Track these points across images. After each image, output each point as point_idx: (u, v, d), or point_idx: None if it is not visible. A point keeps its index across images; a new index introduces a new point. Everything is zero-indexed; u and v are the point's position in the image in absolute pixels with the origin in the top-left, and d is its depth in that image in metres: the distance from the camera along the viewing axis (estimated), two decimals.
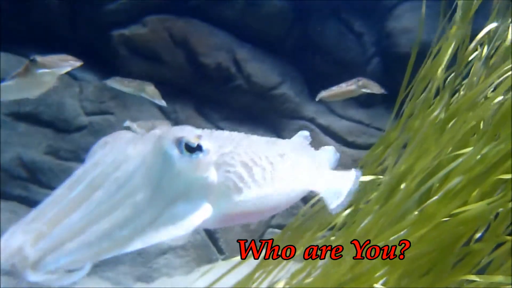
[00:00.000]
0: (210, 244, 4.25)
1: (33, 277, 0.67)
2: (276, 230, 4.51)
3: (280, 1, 5.06)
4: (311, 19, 5.33)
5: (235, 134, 0.98)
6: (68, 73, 4.47)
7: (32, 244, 0.69)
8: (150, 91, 3.29)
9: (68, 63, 2.73)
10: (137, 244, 0.75)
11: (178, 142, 0.79)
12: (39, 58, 2.68)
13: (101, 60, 4.61)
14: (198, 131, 0.84)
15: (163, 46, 4.70)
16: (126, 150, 0.80)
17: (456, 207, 1.15)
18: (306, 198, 4.66)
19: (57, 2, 4.55)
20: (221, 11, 4.97)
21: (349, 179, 1.03)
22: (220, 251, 4.28)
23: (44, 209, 0.73)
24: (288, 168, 0.96)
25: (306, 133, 1.34)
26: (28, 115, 4.15)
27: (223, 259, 4.23)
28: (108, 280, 3.70)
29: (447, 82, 1.58)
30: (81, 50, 4.57)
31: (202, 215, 0.79)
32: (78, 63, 2.76)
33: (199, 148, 0.80)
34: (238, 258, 3.65)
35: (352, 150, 4.75)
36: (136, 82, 3.41)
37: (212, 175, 0.82)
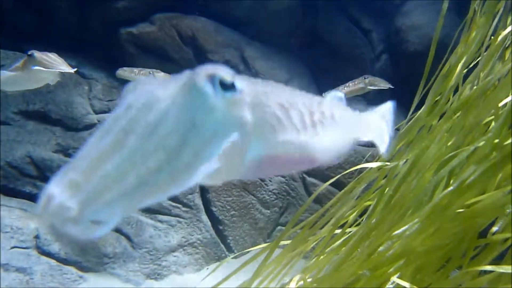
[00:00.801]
0: (219, 241, 4.25)
1: (74, 230, 0.65)
2: (285, 228, 4.50)
3: None
4: (319, 16, 5.31)
5: (269, 82, 0.92)
6: (76, 71, 4.50)
7: (70, 197, 0.66)
8: (161, 78, 3.28)
9: (63, 67, 2.75)
10: (176, 187, 0.72)
11: (212, 78, 0.75)
12: (36, 54, 2.69)
13: (110, 58, 4.63)
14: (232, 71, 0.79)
15: (171, 44, 4.70)
16: (157, 92, 0.75)
17: (471, 197, 1.13)
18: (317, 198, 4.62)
19: (66, 1, 4.57)
20: (229, 8, 4.96)
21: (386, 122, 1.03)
22: (229, 248, 4.27)
23: (80, 160, 0.70)
24: (329, 115, 0.92)
25: (339, 94, 1.25)
26: (37, 113, 4.17)
27: (232, 257, 4.23)
28: (118, 278, 3.71)
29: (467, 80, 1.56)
30: (89, 49, 4.60)
31: (237, 152, 0.75)
32: (72, 70, 2.80)
33: (233, 86, 0.76)
34: (247, 256, 3.64)
35: (361, 148, 4.72)
36: (145, 70, 3.40)
37: (247, 115, 0.77)
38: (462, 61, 1.45)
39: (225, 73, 0.75)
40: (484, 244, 1.17)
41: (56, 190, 0.66)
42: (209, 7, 4.89)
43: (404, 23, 5.02)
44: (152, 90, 0.75)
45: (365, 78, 3.79)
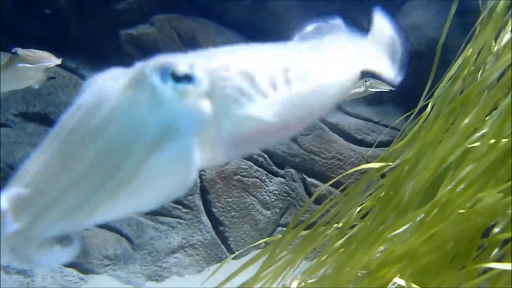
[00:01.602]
0: (220, 243, 4.24)
1: (24, 253, 0.61)
2: (285, 229, 4.50)
3: (287, 0, 5.05)
4: (319, 16, 5.31)
5: (239, 46, 0.82)
6: (76, 73, 4.50)
7: (17, 214, 0.60)
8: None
9: (49, 60, 2.70)
10: (126, 203, 0.65)
11: (162, 69, 0.68)
12: (20, 51, 2.65)
13: (109, 59, 4.62)
14: (191, 58, 0.72)
15: (171, 45, 4.70)
16: (107, 87, 0.68)
17: (470, 197, 1.13)
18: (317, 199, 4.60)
19: (65, 2, 4.57)
20: (228, 9, 4.96)
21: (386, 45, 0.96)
22: (230, 250, 4.27)
23: (26, 171, 0.63)
24: (311, 65, 0.81)
25: (336, 21, 1.10)
26: (37, 116, 4.17)
27: (232, 258, 4.23)
28: (118, 279, 3.70)
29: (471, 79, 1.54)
30: (89, 50, 4.60)
31: (191, 154, 0.67)
32: (57, 61, 2.73)
33: (188, 77, 0.68)
34: (248, 256, 3.63)
35: (361, 148, 4.72)
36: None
37: (205, 104, 0.69)
38: (467, 64, 1.44)
39: (178, 63, 0.69)
40: (485, 244, 1.17)
41: (4, 206, 0.60)
42: (209, 8, 4.89)
43: (404, 23, 5.02)
44: (103, 86, 0.70)
45: (365, 81, 3.78)
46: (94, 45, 4.65)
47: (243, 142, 0.73)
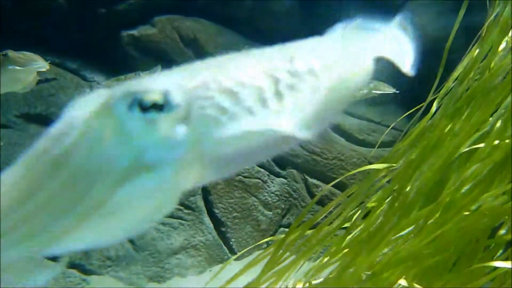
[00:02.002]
0: (222, 244, 4.24)
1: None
2: (287, 230, 4.50)
3: (288, 0, 5.04)
4: (320, 17, 5.31)
5: (222, 57, 0.77)
6: (78, 74, 4.50)
7: None
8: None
9: (39, 63, 2.66)
10: (96, 232, 0.63)
11: (129, 98, 0.62)
12: (11, 54, 2.61)
13: (110, 60, 4.62)
14: (167, 80, 0.67)
15: (173, 46, 4.70)
16: (76, 115, 0.65)
17: (474, 199, 1.12)
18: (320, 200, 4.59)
19: (66, 3, 4.57)
20: (230, 10, 4.96)
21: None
22: (232, 250, 4.27)
23: None
24: (306, 70, 0.74)
25: (358, 22, 0.99)
26: (38, 117, 4.17)
27: (234, 259, 4.22)
28: (120, 280, 3.70)
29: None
30: (90, 51, 4.60)
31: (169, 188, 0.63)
32: (45, 65, 2.69)
33: (159, 105, 0.63)
34: (250, 257, 3.63)
35: (363, 149, 4.72)
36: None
37: (180, 130, 0.64)
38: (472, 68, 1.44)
39: (147, 90, 0.63)
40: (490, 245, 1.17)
41: None
42: (210, 9, 4.89)
43: None
44: (73, 114, 0.66)
45: (369, 83, 3.78)
46: (95, 46, 4.65)
47: (232, 161, 0.68)
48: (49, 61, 2.78)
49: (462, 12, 1.29)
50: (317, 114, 0.75)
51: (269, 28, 5.08)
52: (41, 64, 2.68)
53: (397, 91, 3.75)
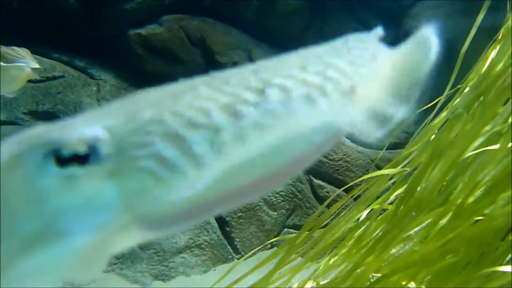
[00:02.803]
0: (226, 243, 4.25)
1: None
2: (291, 230, 4.50)
3: (296, 1, 5.05)
4: (327, 17, 5.30)
5: (176, 86, 0.61)
6: (85, 72, 4.52)
7: None
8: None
9: (27, 60, 2.53)
10: None
11: (44, 147, 0.51)
12: (1, 48, 2.50)
13: (118, 59, 4.64)
14: (96, 126, 0.53)
15: (180, 46, 4.71)
16: None
17: (486, 203, 1.12)
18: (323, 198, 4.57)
19: (74, 1, 4.59)
20: (237, 10, 4.97)
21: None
22: (236, 250, 4.27)
23: None
24: (286, 96, 0.57)
25: (377, 32, 0.79)
26: (46, 114, 4.19)
27: (238, 259, 4.23)
28: (125, 278, 3.71)
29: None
30: (98, 50, 4.62)
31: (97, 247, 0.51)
32: (34, 64, 2.57)
33: (83, 157, 0.50)
34: (254, 257, 3.62)
35: (369, 150, 4.71)
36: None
37: (106, 189, 0.51)
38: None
39: (66, 139, 0.51)
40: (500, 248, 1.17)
41: None
42: (217, 8, 4.89)
43: (412, 25, 5.00)
44: None
45: None
46: (103, 44, 4.67)
47: (179, 220, 0.54)
48: (37, 60, 2.63)
49: (481, 15, 1.27)
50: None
51: (276, 28, 5.09)
52: (30, 62, 2.52)
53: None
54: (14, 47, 2.52)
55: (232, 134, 0.53)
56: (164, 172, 0.52)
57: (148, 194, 0.52)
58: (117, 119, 0.54)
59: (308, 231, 1.44)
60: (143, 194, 0.52)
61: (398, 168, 1.38)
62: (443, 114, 1.52)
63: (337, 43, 0.77)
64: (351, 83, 0.62)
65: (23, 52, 2.54)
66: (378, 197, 1.61)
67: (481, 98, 1.18)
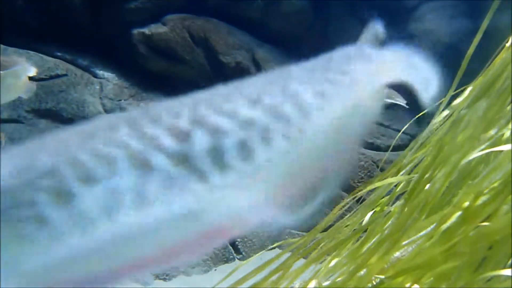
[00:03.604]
0: (227, 243, 4.24)
1: None
2: (292, 231, 4.50)
3: (299, 1, 5.05)
4: (331, 19, 5.30)
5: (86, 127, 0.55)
6: (88, 71, 4.53)
7: None
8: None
9: (25, 66, 2.48)
10: None
11: None
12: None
13: (121, 58, 4.65)
14: None
15: (183, 45, 4.71)
16: None
17: (493, 208, 1.12)
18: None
19: (78, 0, 4.59)
20: (241, 10, 4.97)
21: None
22: (237, 250, 4.27)
23: None
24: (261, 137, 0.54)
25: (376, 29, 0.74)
26: (49, 112, 4.19)
27: (239, 259, 4.23)
28: (126, 277, 3.71)
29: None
30: (101, 48, 4.62)
31: None
32: (32, 69, 2.51)
33: None
34: (254, 257, 3.62)
35: (372, 152, 4.70)
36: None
37: None
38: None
39: None
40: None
41: None
42: (221, 9, 4.90)
43: (416, 27, 5.00)
44: None
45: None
46: (106, 43, 4.68)
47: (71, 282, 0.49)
48: (36, 70, 2.57)
49: (488, 17, 1.27)
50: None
51: (280, 28, 5.09)
52: (27, 67, 2.46)
53: (407, 106, 3.75)
54: (8, 54, 2.47)
55: (131, 196, 0.47)
56: (42, 234, 0.46)
57: (27, 257, 0.47)
58: (14, 167, 0.48)
59: (308, 232, 1.44)
60: (22, 257, 0.46)
61: (405, 176, 1.38)
62: (446, 115, 1.52)
63: (320, 61, 0.75)
64: (301, 126, 0.57)
65: (19, 58, 2.52)
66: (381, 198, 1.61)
67: (487, 99, 1.18)
